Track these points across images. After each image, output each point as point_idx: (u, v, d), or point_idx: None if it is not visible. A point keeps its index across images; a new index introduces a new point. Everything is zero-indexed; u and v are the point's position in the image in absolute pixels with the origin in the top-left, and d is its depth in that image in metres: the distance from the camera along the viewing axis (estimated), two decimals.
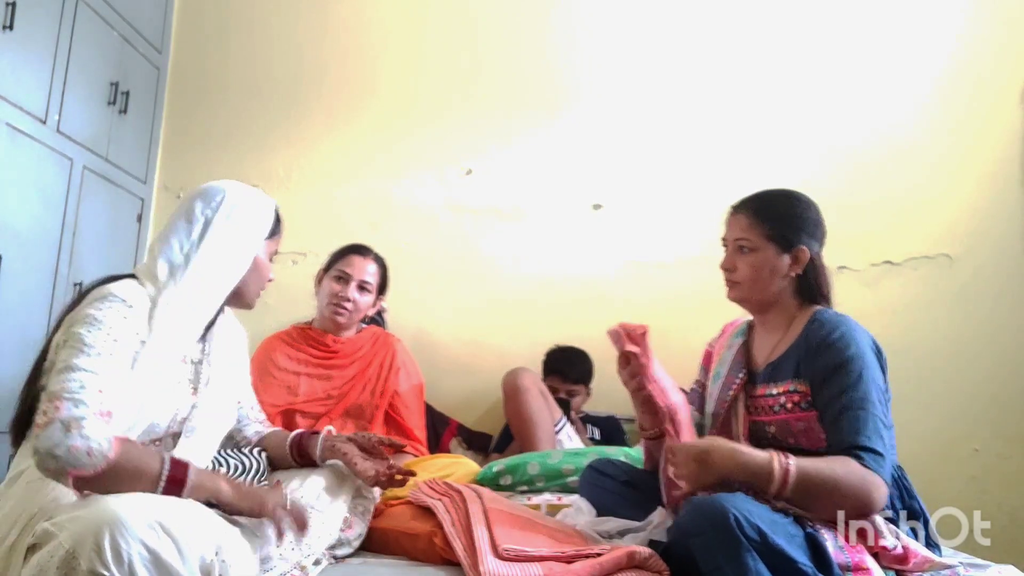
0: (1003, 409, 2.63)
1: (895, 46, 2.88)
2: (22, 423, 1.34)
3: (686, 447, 1.42)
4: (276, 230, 1.56)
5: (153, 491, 1.22)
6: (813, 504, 1.34)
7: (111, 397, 1.25)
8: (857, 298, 2.73)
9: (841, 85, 2.87)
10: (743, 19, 2.96)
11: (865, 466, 1.34)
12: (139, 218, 2.98)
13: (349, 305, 2.27)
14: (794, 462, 1.34)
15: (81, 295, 1.39)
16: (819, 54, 2.90)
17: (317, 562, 1.42)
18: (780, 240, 1.59)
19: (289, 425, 2.17)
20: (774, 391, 1.55)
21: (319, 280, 2.36)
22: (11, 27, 2.20)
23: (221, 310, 1.53)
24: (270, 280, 1.58)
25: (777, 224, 1.60)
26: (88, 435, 1.17)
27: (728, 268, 1.65)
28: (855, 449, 1.37)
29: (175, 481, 1.23)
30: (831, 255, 2.69)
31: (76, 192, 2.54)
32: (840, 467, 1.35)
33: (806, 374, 1.50)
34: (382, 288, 2.39)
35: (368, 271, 2.31)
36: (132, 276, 1.42)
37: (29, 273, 2.35)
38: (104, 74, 2.70)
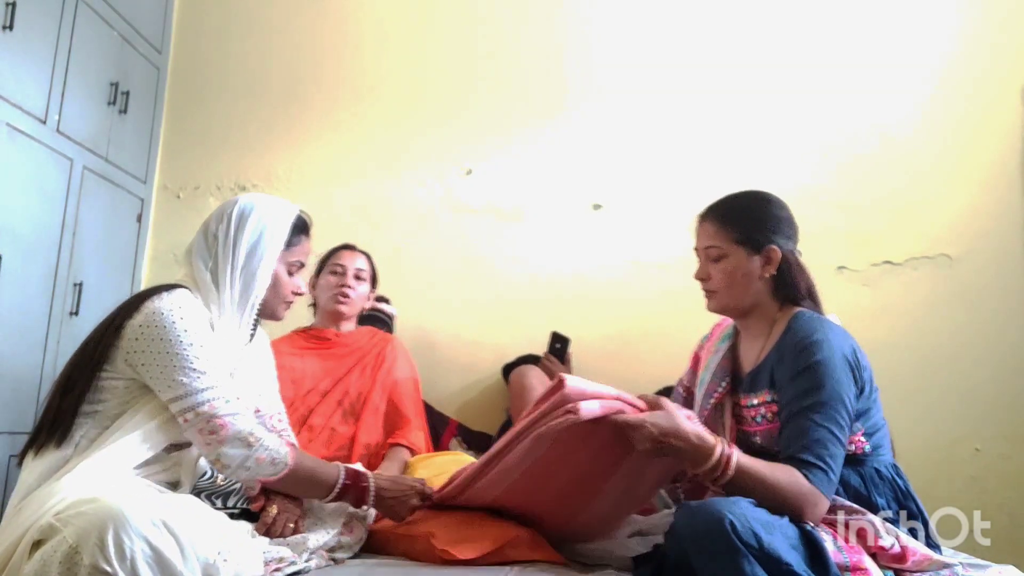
0: (1004, 409, 2.62)
1: (894, 45, 2.87)
2: (53, 428, 1.32)
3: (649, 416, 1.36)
4: (293, 240, 1.54)
5: (324, 497, 1.45)
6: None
7: (244, 398, 1.38)
8: (857, 298, 2.73)
9: (841, 84, 2.86)
10: (742, 19, 2.95)
11: (808, 480, 1.33)
12: (139, 218, 2.98)
13: (351, 292, 2.42)
14: (737, 455, 1.33)
15: (129, 305, 1.39)
16: (819, 53, 2.89)
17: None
18: (749, 243, 1.56)
19: None
20: (754, 401, 1.53)
21: (313, 285, 2.49)
22: (11, 27, 2.20)
23: (258, 321, 1.55)
24: (299, 294, 1.59)
25: (744, 227, 1.57)
26: (267, 445, 1.35)
27: (702, 278, 1.63)
28: (800, 461, 1.34)
29: (355, 489, 1.46)
30: (831, 255, 2.76)
31: (76, 192, 2.54)
32: (783, 475, 1.33)
33: (778, 382, 1.47)
34: (374, 281, 2.55)
35: (359, 262, 2.49)
36: (179, 286, 1.43)
37: (29, 273, 2.34)
38: (104, 74, 2.70)
